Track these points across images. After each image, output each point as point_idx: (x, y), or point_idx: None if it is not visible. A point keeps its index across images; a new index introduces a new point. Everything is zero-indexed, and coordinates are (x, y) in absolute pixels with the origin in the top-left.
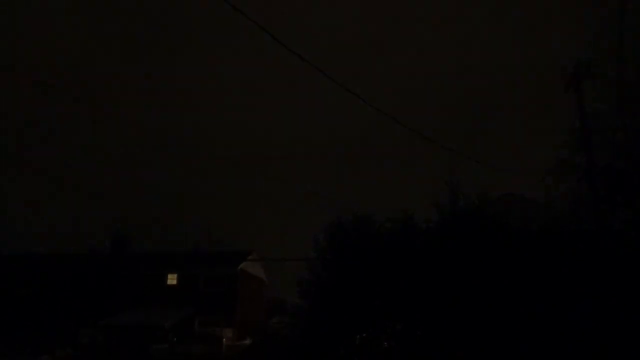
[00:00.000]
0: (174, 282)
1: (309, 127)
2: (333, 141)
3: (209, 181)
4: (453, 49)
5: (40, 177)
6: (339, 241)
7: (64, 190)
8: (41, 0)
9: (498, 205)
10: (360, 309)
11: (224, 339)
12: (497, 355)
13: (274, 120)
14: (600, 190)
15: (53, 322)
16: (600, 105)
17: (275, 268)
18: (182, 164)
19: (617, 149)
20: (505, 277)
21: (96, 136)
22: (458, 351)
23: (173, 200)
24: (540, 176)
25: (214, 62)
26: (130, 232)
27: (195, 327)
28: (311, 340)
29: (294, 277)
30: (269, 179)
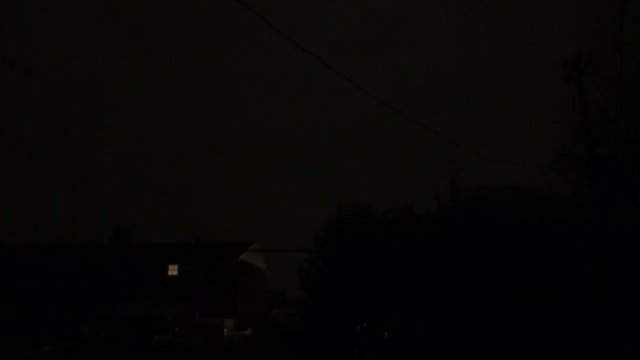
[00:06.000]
0: (175, 273)
1: (309, 121)
2: (334, 135)
3: (210, 174)
4: (456, 44)
5: (43, 169)
6: (339, 233)
7: (66, 181)
8: None
9: (499, 197)
10: (361, 300)
11: (225, 330)
12: (496, 346)
13: (275, 114)
14: (601, 184)
15: (54, 314)
16: (602, 98)
17: (276, 259)
18: (183, 156)
19: (618, 142)
20: (504, 268)
21: (98, 129)
22: (457, 342)
23: (174, 192)
24: (541, 169)
25: (217, 57)
26: (131, 224)
27: (196, 318)
28: (312, 331)
29: (295, 268)
30: (270, 171)
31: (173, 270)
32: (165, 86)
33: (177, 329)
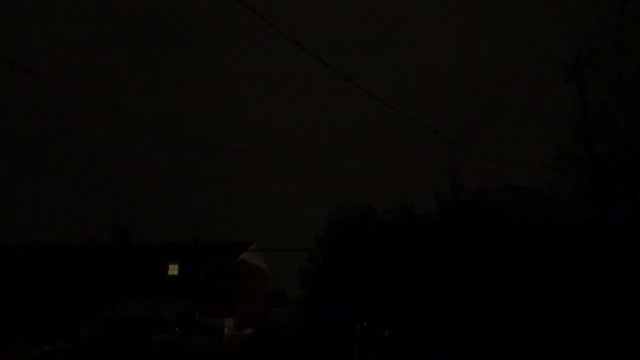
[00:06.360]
0: (175, 272)
1: (309, 121)
2: (334, 135)
3: (210, 174)
4: (456, 44)
5: (43, 169)
6: (339, 233)
7: (66, 181)
8: None
9: (499, 197)
10: (360, 300)
11: (225, 329)
12: (496, 346)
13: (275, 114)
14: (601, 182)
15: (54, 314)
16: (602, 98)
17: (276, 259)
18: (183, 156)
19: (618, 141)
20: (504, 268)
21: (98, 129)
22: (457, 342)
23: (174, 192)
24: (541, 168)
25: (217, 57)
26: (131, 224)
27: (196, 317)
28: (312, 331)
29: (295, 268)
30: (270, 171)
31: (173, 269)
32: (165, 86)
33: (177, 329)
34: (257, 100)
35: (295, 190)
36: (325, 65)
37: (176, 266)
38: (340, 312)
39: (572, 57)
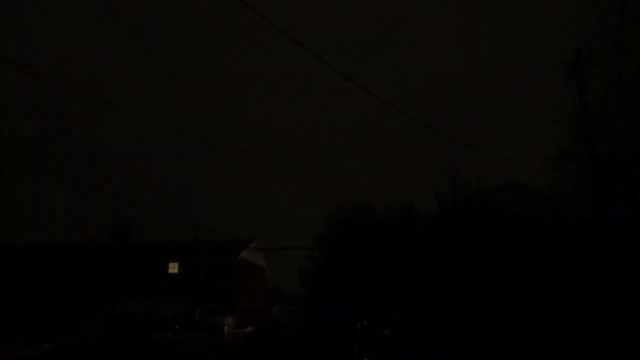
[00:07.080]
0: (175, 271)
1: (309, 121)
2: (334, 135)
3: (210, 174)
4: (456, 44)
5: (43, 169)
6: (339, 233)
7: (66, 181)
8: None
9: (499, 197)
10: (360, 300)
11: (226, 328)
12: (496, 346)
13: (275, 114)
14: (601, 182)
15: (55, 313)
16: (602, 98)
17: (277, 258)
18: (183, 156)
19: (618, 141)
20: (504, 268)
21: (98, 129)
22: (457, 341)
23: (174, 192)
24: (541, 168)
25: (217, 57)
26: (131, 221)
27: (196, 315)
28: (312, 331)
29: (295, 267)
30: (270, 171)
31: (173, 268)
32: (165, 86)
33: (177, 327)
34: (257, 100)
35: (295, 190)
36: (326, 64)
37: (176, 265)
38: (340, 311)
39: (572, 57)
